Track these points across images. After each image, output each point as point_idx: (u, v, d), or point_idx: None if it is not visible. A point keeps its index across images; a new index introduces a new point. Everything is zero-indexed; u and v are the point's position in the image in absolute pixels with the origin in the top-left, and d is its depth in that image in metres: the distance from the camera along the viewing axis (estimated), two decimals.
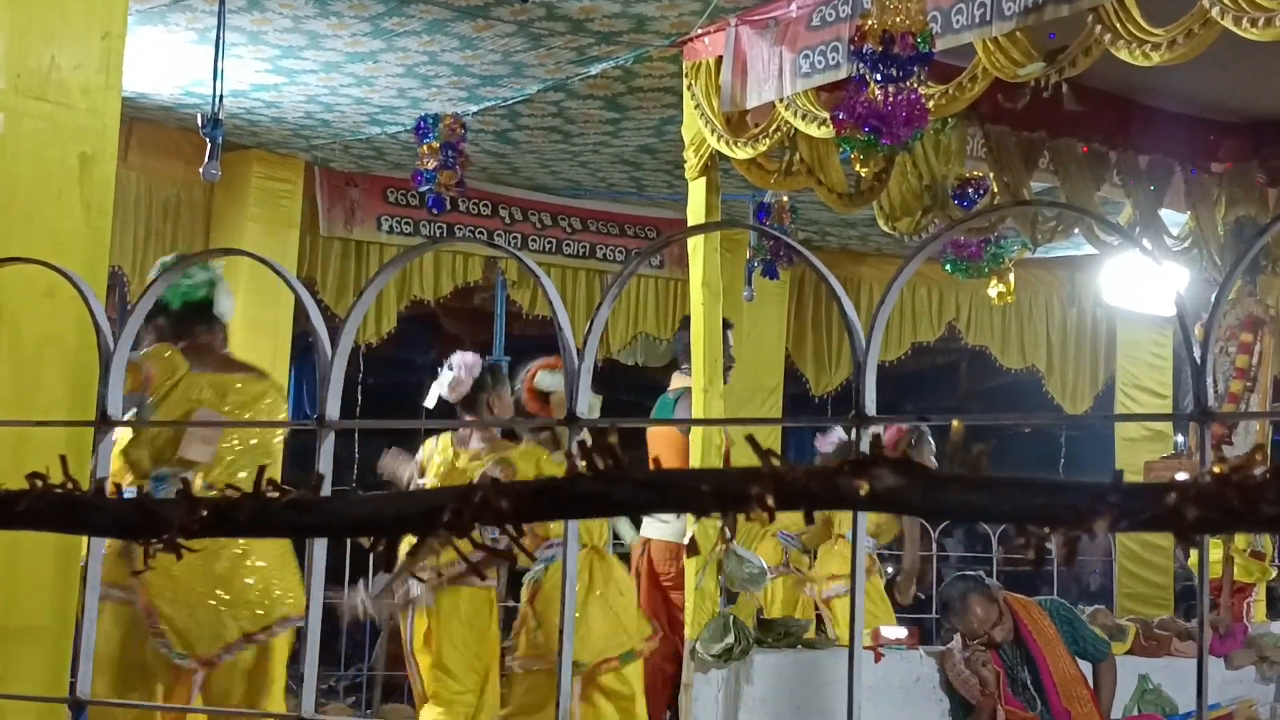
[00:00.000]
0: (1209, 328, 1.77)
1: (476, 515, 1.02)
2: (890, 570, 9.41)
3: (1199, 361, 1.78)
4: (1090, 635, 6.30)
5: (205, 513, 1.07)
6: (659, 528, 7.54)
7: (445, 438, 6.86)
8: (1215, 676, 7.06)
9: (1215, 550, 7.63)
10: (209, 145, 6.45)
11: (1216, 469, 0.80)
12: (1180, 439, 10.40)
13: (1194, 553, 7.71)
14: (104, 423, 2.23)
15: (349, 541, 7.00)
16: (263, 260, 2.35)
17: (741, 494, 0.95)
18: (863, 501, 0.92)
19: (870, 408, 1.97)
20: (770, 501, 0.94)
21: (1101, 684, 6.21)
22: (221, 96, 6.61)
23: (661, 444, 7.40)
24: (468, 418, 6.72)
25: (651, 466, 1.01)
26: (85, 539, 2.34)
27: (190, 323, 5.10)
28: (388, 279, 2.33)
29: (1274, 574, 8.52)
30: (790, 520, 7.93)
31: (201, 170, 6.47)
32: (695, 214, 6.92)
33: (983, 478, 0.91)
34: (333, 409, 2.14)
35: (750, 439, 0.99)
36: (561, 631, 1.79)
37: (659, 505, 1.00)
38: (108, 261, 3.70)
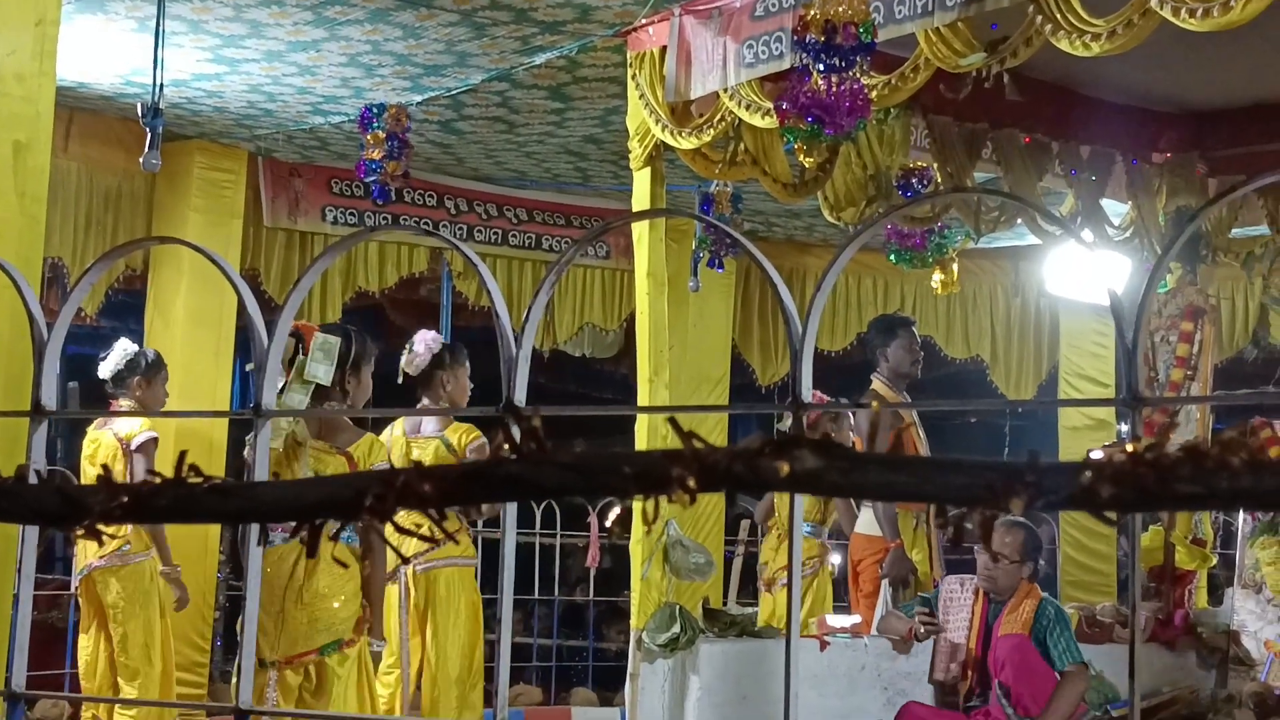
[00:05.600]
0: (1139, 312, 1.78)
1: (400, 499, 1.01)
2: (838, 560, 9.39)
3: (1130, 347, 1.80)
4: (1063, 645, 6.24)
5: (126, 499, 1.06)
6: (859, 521, 7.85)
7: (398, 428, 7.06)
8: (1157, 663, 7.13)
9: (1157, 538, 7.70)
10: (149, 135, 6.39)
11: (1130, 447, 0.81)
12: (1123, 427, 10.49)
13: (1141, 538, 7.79)
14: (38, 413, 2.20)
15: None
16: (197, 248, 2.33)
17: (664, 476, 0.95)
18: (783, 482, 0.92)
19: (807, 395, 1.98)
20: (692, 483, 0.93)
21: (1057, 693, 6.11)
22: (162, 86, 6.56)
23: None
24: (424, 400, 6.94)
25: None
26: (19, 533, 2.32)
27: None
28: (323, 268, 2.31)
29: (1214, 561, 8.61)
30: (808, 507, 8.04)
31: (142, 160, 6.41)
32: (640, 204, 6.92)
33: (902, 458, 0.91)
34: (269, 398, 2.12)
35: (672, 420, 0.99)
36: (501, 623, 1.78)
37: (583, 488, 1.00)
38: (43, 250, 3.66)
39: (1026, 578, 6.27)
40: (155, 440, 7.30)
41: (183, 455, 1.07)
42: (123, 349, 7.50)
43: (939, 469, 0.90)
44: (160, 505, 1.04)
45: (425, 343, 7.05)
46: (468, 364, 7.12)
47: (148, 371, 7.46)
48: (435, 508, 1.01)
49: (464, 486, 1.01)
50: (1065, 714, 6.05)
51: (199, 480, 1.04)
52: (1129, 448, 0.81)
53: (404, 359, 7.04)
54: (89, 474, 7.35)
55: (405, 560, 6.75)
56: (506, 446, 0.99)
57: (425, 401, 7.02)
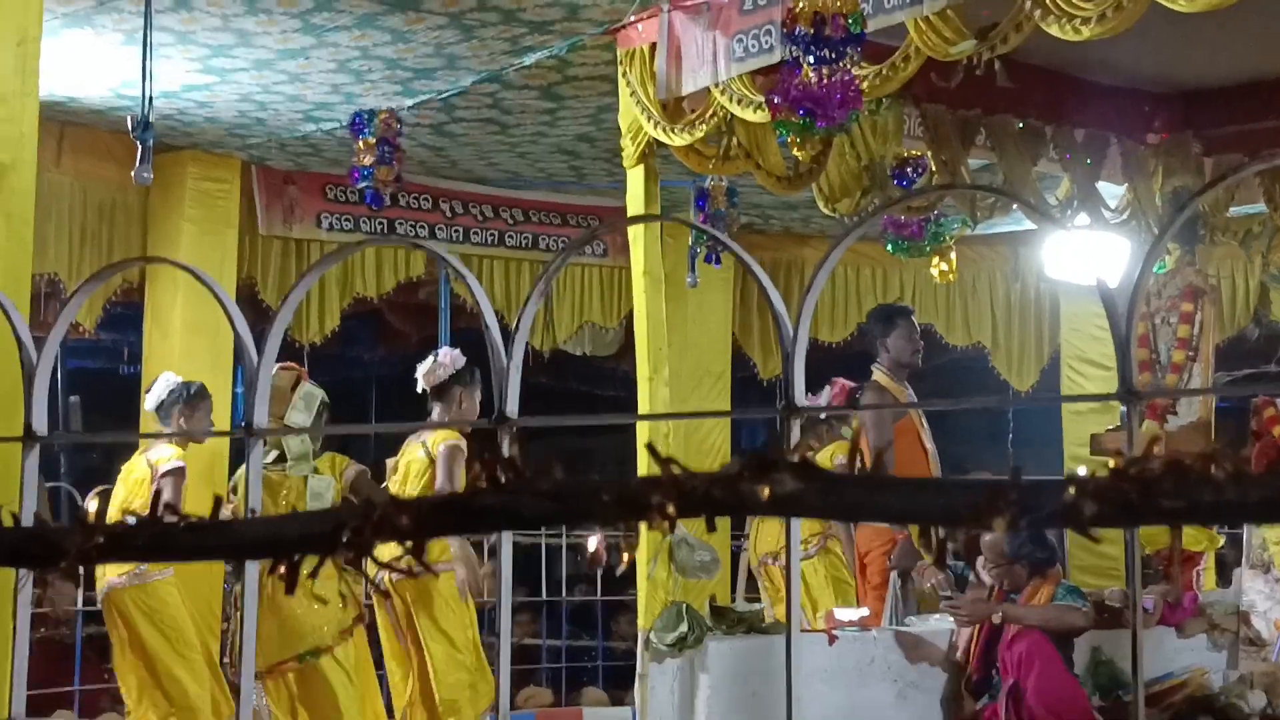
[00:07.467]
0: (1133, 300, 1.76)
1: (377, 532, 1.00)
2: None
3: (1123, 339, 1.78)
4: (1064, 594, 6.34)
5: (102, 538, 1.05)
6: None
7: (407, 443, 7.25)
8: (1167, 646, 7.10)
9: None
10: (140, 149, 6.38)
11: (1112, 463, 0.79)
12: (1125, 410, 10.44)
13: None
14: (29, 438, 2.18)
15: None
16: (186, 268, 2.32)
17: (643, 502, 0.93)
18: (764, 506, 0.91)
19: (800, 398, 1.96)
20: (671, 510, 0.92)
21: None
22: (151, 98, 6.54)
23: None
24: (435, 411, 7.08)
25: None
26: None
27: None
28: (314, 280, 2.30)
29: (1222, 542, 8.58)
30: None
31: (133, 174, 6.40)
32: (634, 201, 6.90)
33: (884, 478, 0.90)
34: (260, 415, 2.10)
35: (649, 448, 0.97)
36: (498, 634, 1.77)
37: (562, 516, 0.98)
38: (31, 272, 3.63)
39: (1027, 573, 6.29)
40: (182, 470, 7.22)
41: (157, 494, 1.06)
42: (165, 381, 7.48)
43: (921, 489, 0.88)
44: (137, 544, 1.03)
45: (451, 356, 7.24)
46: (480, 390, 7.30)
47: (190, 400, 7.43)
48: (413, 540, 1.00)
49: (441, 518, 1.00)
50: (1043, 616, 6.10)
51: (175, 519, 1.02)
52: (1110, 464, 0.80)
53: (423, 369, 7.13)
54: (118, 495, 7.35)
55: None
56: (485, 476, 0.98)
57: (437, 412, 7.12)
